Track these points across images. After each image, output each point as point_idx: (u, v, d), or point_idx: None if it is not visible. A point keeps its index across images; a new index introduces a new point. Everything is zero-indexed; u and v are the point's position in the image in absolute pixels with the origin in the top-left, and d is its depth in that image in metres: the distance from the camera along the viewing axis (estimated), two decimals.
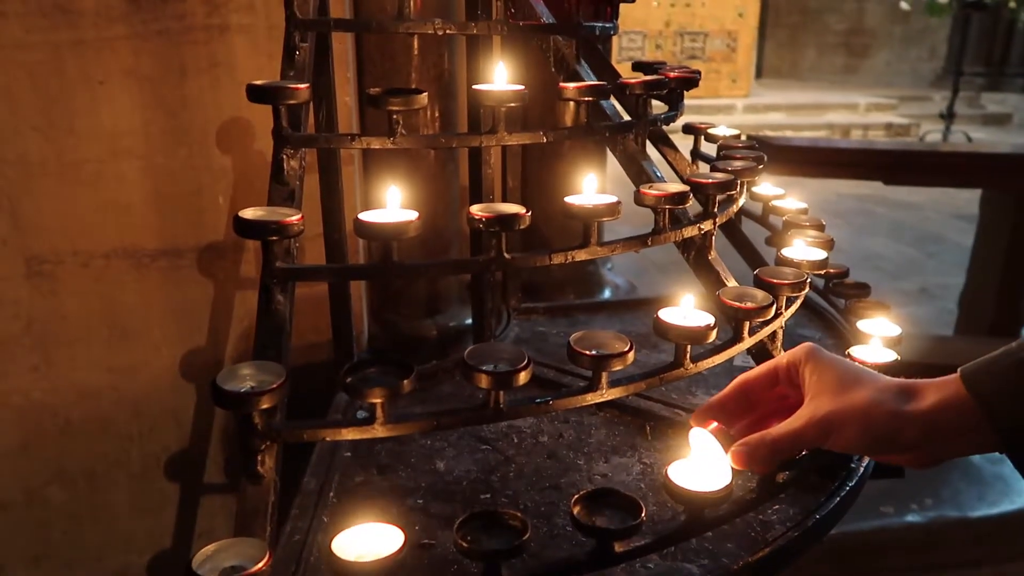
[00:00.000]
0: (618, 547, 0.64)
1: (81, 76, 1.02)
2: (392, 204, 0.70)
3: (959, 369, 0.63)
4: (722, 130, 1.12)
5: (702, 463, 0.68)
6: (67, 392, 1.13)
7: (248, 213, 0.67)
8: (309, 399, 0.92)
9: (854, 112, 9.49)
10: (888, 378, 0.68)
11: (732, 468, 0.68)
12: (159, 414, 1.17)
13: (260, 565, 0.51)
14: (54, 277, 1.08)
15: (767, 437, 0.67)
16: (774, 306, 0.76)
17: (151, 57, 1.03)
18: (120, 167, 1.06)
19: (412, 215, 0.68)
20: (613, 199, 0.72)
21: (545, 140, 0.80)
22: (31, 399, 1.11)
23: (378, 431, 0.60)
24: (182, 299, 1.13)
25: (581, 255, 0.72)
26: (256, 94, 0.73)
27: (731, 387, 0.75)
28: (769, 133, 6.56)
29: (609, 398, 0.68)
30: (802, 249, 0.91)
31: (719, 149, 0.99)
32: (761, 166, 0.93)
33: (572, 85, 0.80)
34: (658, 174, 0.88)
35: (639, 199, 0.77)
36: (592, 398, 0.67)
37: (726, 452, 0.69)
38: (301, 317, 1.12)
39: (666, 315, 0.71)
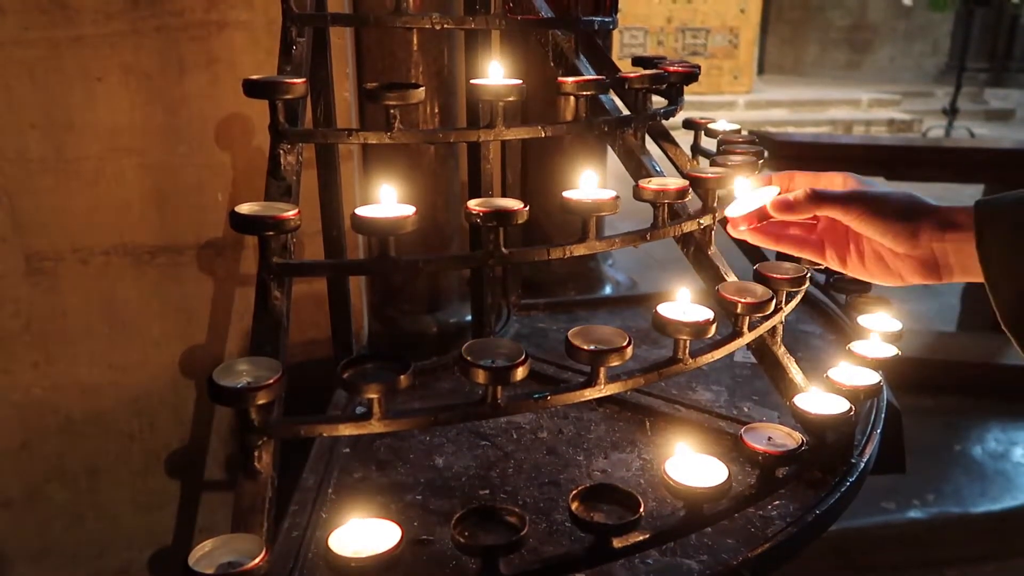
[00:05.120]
0: (617, 543, 0.64)
1: (80, 73, 1.02)
2: (388, 199, 0.70)
3: (976, 202, 0.64)
4: (722, 125, 1.11)
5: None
6: (68, 389, 1.13)
7: (244, 208, 0.67)
8: (309, 395, 0.92)
9: (857, 108, 9.45)
10: None
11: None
12: (159, 411, 1.17)
13: (257, 561, 0.51)
14: (54, 274, 1.08)
15: (810, 188, 0.68)
16: (773, 301, 0.76)
17: (150, 53, 1.03)
18: (119, 164, 1.06)
19: (409, 210, 0.68)
20: (611, 194, 0.72)
21: (543, 134, 0.79)
22: (32, 396, 1.12)
23: (375, 427, 0.60)
24: (182, 296, 1.13)
25: (579, 250, 0.72)
26: (252, 89, 0.73)
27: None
28: (771, 129, 6.56)
29: (607, 393, 0.67)
30: None
31: (719, 144, 0.99)
32: (761, 161, 0.92)
33: (570, 79, 0.80)
34: (657, 169, 0.88)
35: (638, 194, 0.77)
36: (590, 394, 0.67)
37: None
38: (301, 313, 1.12)
39: (665, 310, 0.71)
